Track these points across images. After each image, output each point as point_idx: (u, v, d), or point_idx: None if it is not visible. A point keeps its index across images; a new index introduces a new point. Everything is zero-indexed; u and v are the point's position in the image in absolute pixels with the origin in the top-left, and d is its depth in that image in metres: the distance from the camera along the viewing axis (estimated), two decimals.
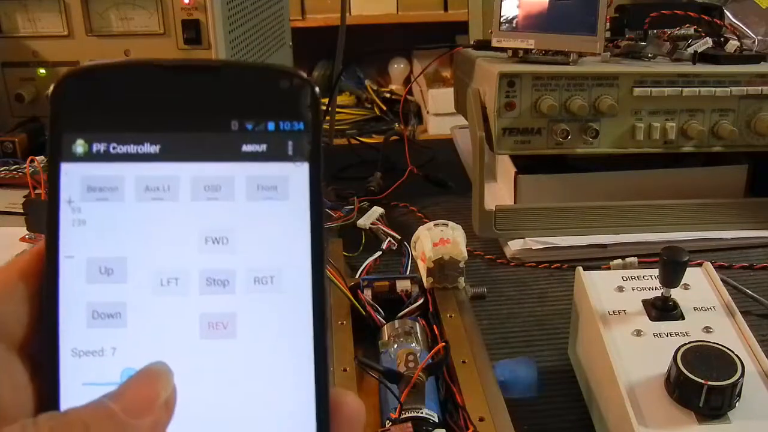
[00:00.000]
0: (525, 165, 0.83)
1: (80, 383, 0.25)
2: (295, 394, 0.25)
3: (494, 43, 0.80)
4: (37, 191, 0.72)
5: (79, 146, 0.25)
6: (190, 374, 0.25)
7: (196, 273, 0.25)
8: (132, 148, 0.25)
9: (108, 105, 0.25)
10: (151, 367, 0.24)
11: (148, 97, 0.26)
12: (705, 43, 0.81)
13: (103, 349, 0.25)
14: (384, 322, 0.58)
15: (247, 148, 0.26)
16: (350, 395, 0.26)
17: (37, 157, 0.76)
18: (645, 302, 0.52)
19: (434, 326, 0.57)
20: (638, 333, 0.50)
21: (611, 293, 0.54)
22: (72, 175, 0.25)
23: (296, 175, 0.26)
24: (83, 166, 0.25)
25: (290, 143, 0.26)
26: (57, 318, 0.25)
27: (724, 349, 0.45)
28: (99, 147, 0.25)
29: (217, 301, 0.25)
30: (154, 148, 0.25)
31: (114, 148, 0.25)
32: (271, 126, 0.26)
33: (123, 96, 0.26)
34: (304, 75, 0.26)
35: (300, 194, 0.26)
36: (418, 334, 0.56)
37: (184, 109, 0.26)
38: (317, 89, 0.26)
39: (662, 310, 0.51)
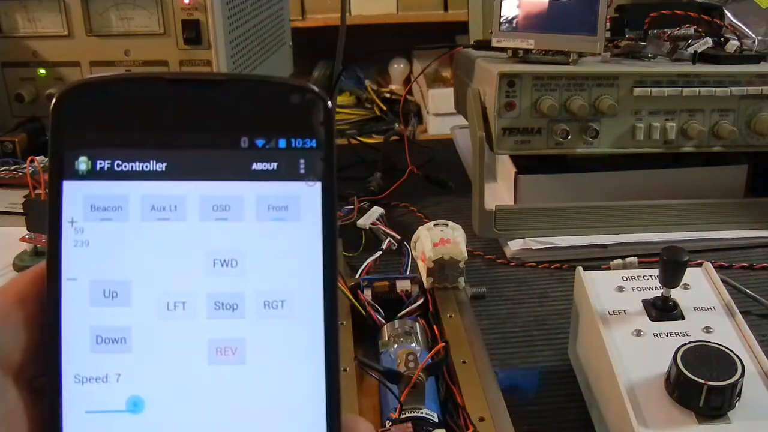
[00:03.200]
0: (525, 165, 0.83)
1: (83, 411, 0.24)
2: (306, 422, 0.24)
3: (494, 43, 0.80)
4: (37, 191, 0.72)
5: (82, 163, 0.24)
6: (197, 402, 0.24)
7: (204, 296, 0.24)
8: (137, 166, 0.24)
9: (112, 120, 0.24)
10: None
11: (154, 112, 0.24)
12: (705, 43, 0.81)
13: (107, 375, 0.24)
14: (384, 322, 0.58)
15: (257, 166, 0.25)
16: (362, 422, 0.25)
17: (37, 157, 0.76)
18: (645, 302, 0.52)
19: (434, 326, 0.57)
20: (638, 333, 0.50)
21: (611, 293, 0.54)
22: (74, 194, 0.24)
23: (308, 195, 0.25)
24: (86, 184, 0.24)
25: (302, 161, 0.25)
26: (59, 343, 0.24)
27: (724, 349, 0.45)
28: (103, 164, 0.24)
29: (226, 326, 0.24)
30: (160, 166, 0.24)
31: (118, 165, 0.24)
32: (282, 143, 0.25)
33: (128, 111, 0.24)
34: (317, 89, 0.25)
35: (312, 215, 0.25)
36: (418, 334, 0.55)
37: (192, 125, 0.25)
38: (330, 104, 0.25)
39: (662, 310, 0.51)
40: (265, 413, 0.24)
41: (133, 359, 0.24)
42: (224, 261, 0.25)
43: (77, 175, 0.24)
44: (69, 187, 0.24)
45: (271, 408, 0.24)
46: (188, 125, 0.25)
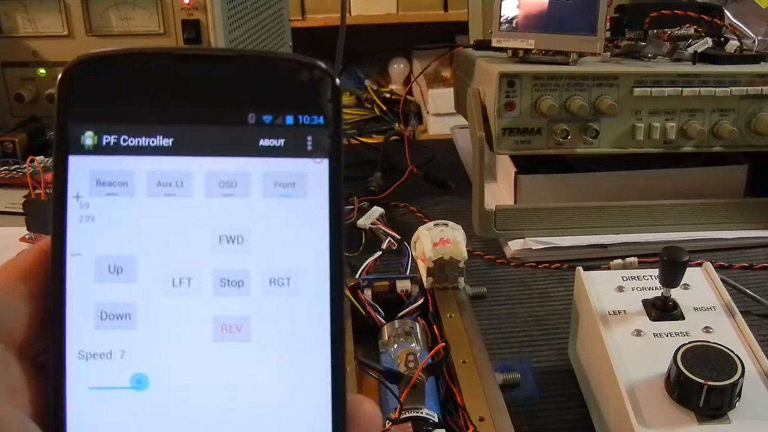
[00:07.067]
0: (525, 165, 0.83)
1: (87, 387, 0.24)
2: (311, 400, 0.24)
3: (494, 43, 0.80)
4: (37, 191, 0.72)
5: (88, 138, 0.24)
6: (202, 379, 0.24)
7: (210, 273, 0.24)
8: (144, 141, 0.24)
9: (119, 94, 0.24)
10: None
11: (162, 87, 0.24)
12: (705, 43, 0.81)
13: (111, 351, 0.24)
14: (384, 322, 0.58)
15: (264, 142, 0.25)
16: (367, 402, 0.25)
17: (37, 157, 0.76)
18: (645, 302, 0.52)
19: (434, 326, 0.57)
20: (638, 333, 0.50)
21: (611, 293, 0.54)
22: (80, 169, 0.24)
23: (315, 172, 0.25)
24: (92, 159, 0.24)
25: (309, 138, 0.25)
26: (63, 318, 0.24)
27: (724, 349, 0.45)
28: (109, 139, 0.24)
29: (231, 303, 0.24)
30: (167, 141, 0.24)
31: (125, 140, 0.24)
32: (289, 120, 0.25)
33: (135, 85, 0.24)
34: (325, 66, 0.25)
35: (319, 192, 0.25)
36: (418, 334, 0.55)
37: (199, 101, 0.24)
38: (338, 81, 0.25)
39: (662, 310, 0.51)
40: (269, 391, 0.24)
41: (137, 336, 0.24)
42: (230, 237, 0.25)
43: (83, 150, 0.24)
44: (75, 162, 0.24)
45: (275, 385, 0.24)
46: (195, 101, 0.24)
